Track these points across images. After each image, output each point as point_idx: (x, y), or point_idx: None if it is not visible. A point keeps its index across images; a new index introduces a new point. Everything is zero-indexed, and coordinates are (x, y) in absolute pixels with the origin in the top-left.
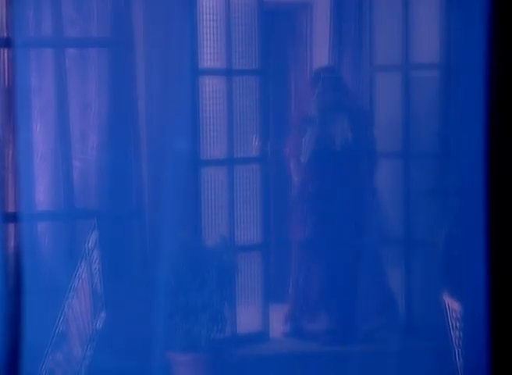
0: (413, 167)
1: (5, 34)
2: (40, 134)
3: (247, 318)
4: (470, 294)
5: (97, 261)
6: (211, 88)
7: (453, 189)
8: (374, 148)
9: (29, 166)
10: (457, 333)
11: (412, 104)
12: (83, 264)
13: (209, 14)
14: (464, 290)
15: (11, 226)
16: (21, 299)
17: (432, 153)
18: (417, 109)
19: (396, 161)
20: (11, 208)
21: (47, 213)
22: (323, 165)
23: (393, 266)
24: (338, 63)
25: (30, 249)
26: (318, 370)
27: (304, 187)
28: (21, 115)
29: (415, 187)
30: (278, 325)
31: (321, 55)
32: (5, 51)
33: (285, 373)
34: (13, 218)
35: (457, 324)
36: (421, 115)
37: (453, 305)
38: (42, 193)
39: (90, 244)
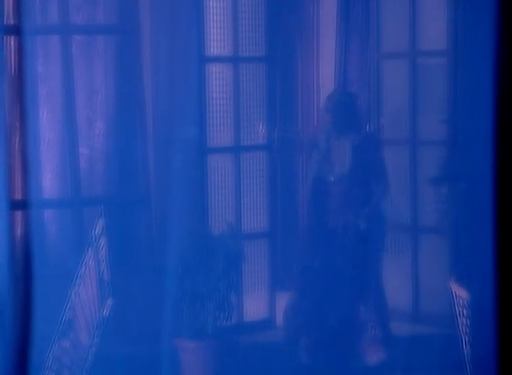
0: (420, 154)
1: (12, 22)
2: (47, 121)
3: (253, 305)
4: (477, 281)
5: (104, 248)
6: (217, 76)
7: (461, 176)
8: (383, 177)
9: (36, 153)
10: (464, 320)
11: (419, 91)
12: (90, 251)
13: (216, 1)
14: (472, 277)
15: (18, 214)
16: (29, 287)
17: (440, 140)
18: (425, 96)
19: (404, 148)
20: (18, 196)
21: (54, 201)
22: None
23: (401, 254)
24: (348, 87)
25: (37, 236)
26: (325, 357)
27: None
28: (28, 102)
29: (422, 175)
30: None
31: (328, 42)
32: (12, 38)
33: (291, 361)
34: (21, 205)
35: (464, 312)
36: (429, 102)
37: (460, 293)
38: (49, 180)
39: (97, 231)
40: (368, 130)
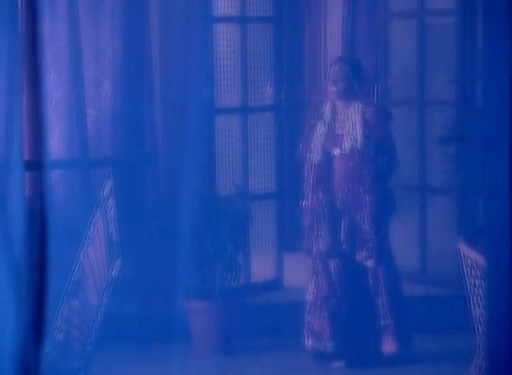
0: (428, 114)
1: None
2: (54, 82)
3: (261, 266)
4: (493, 244)
5: (113, 209)
6: (225, 36)
7: (470, 136)
8: (390, 148)
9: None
10: (473, 281)
11: (428, 51)
12: (98, 212)
13: None
14: (488, 240)
15: (26, 174)
16: (42, 247)
17: (448, 101)
18: (433, 56)
19: (412, 108)
20: (26, 156)
21: (62, 161)
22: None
23: (409, 214)
24: (353, 51)
25: (46, 197)
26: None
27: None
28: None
29: (431, 135)
30: (291, 273)
31: (335, 1)
32: None
33: (298, 322)
34: (28, 166)
35: (473, 272)
36: (437, 62)
37: (468, 253)
38: (57, 141)
39: (105, 192)
40: (375, 101)
